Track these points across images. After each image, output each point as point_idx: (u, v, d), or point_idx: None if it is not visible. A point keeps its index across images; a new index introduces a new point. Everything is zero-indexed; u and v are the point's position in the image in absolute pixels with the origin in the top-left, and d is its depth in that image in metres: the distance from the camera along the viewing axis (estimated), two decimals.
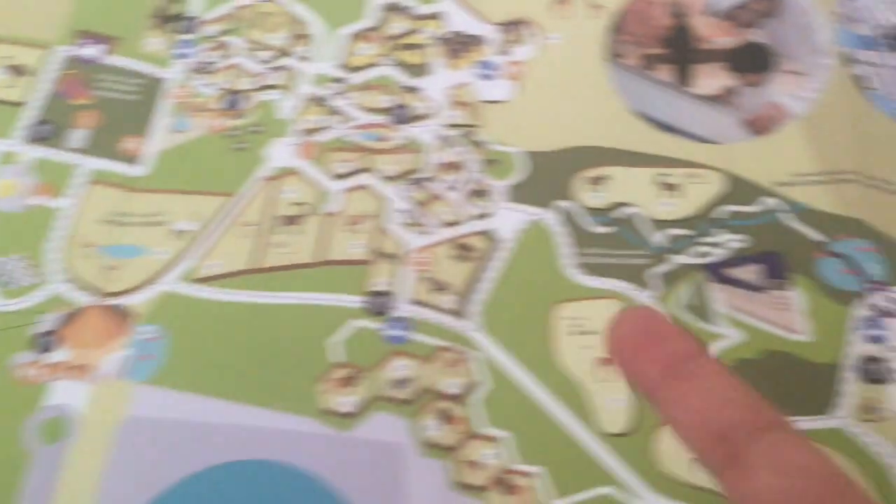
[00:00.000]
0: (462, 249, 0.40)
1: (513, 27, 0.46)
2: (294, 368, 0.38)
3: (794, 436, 0.22)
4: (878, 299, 0.38)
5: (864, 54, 0.44)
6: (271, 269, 0.40)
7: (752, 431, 0.22)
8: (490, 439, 0.37)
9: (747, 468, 0.21)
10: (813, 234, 0.40)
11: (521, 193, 0.42)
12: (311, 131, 0.43)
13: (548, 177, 0.42)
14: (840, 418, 0.36)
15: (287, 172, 0.42)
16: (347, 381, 0.38)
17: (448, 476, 0.36)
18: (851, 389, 0.37)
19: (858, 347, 0.37)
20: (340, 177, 0.42)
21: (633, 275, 0.40)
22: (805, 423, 0.36)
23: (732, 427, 0.22)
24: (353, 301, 0.39)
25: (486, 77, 0.45)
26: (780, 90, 0.44)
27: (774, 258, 0.40)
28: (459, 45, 0.46)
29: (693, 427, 0.23)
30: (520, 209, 0.41)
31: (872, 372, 0.37)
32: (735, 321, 0.38)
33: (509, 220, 0.41)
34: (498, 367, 0.38)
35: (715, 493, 0.34)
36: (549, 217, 0.41)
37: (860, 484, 0.21)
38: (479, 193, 0.42)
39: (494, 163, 0.42)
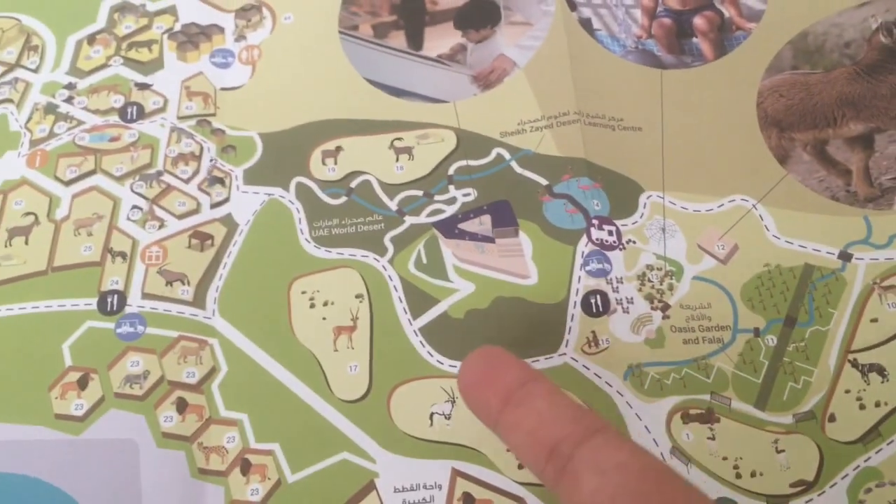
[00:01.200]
0: (199, 238, 0.40)
1: (246, 13, 0.46)
2: (26, 378, 0.38)
3: (613, 438, 0.23)
4: (602, 234, 0.39)
5: None
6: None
7: (577, 441, 0.23)
8: (229, 423, 0.37)
9: (574, 476, 0.23)
10: (539, 179, 0.40)
11: (257, 175, 0.42)
12: (40, 140, 0.43)
13: (284, 156, 0.42)
14: (567, 354, 0.36)
15: (17, 184, 0.42)
16: (81, 384, 0.37)
17: (189, 464, 0.36)
18: (576, 325, 0.37)
19: (582, 283, 0.38)
20: (69, 182, 0.42)
21: (369, 241, 0.40)
22: (538, 363, 0.36)
23: (560, 441, 0.23)
24: (87, 303, 0.39)
25: (223, 65, 0.45)
26: (506, 43, 0.44)
27: (502, 207, 0.40)
28: (194, 36, 0.45)
29: (527, 447, 0.25)
30: (256, 191, 0.41)
31: (595, 305, 0.37)
32: (466, 273, 0.39)
33: (246, 203, 0.41)
34: (235, 350, 0.38)
35: (449, 443, 0.35)
36: (284, 196, 0.41)
37: (677, 474, 0.22)
38: (216, 181, 0.41)
39: (230, 149, 0.42)
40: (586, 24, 0.44)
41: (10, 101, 0.44)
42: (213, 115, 0.43)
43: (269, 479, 0.35)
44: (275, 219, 0.40)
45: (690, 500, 0.21)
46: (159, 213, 0.41)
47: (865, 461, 0.34)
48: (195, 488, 0.35)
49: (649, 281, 0.37)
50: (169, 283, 0.39)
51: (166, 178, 0.41)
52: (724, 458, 0.34)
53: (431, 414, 0.36)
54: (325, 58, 0.44)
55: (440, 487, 0.35)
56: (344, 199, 0.41)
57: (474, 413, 0.28)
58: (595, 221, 0.39)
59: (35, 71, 0.45)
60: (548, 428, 0.24)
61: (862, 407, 0.35)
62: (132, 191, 0.41)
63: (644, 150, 0.40)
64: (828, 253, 0.37)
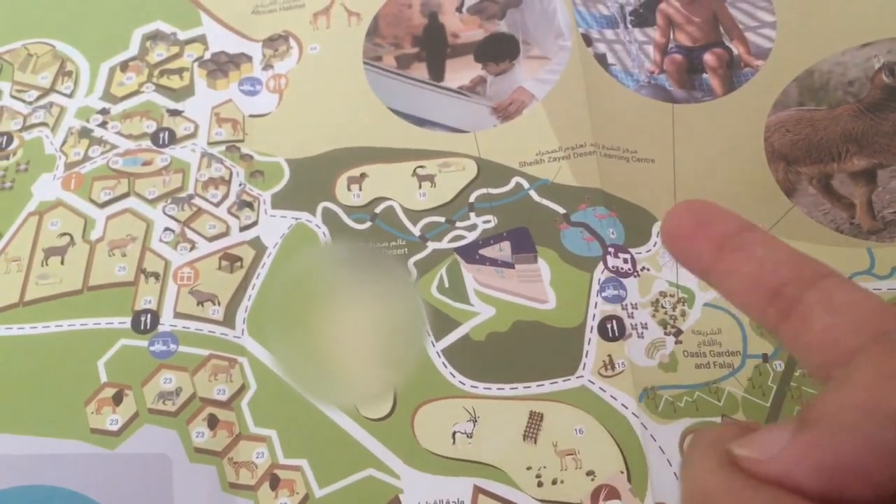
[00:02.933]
0: (228, 260, 0.42)
1: (274, 42, 0.48)
2: (63, 393, 0.39)
3: (844, 281, 0.22)
4: (616, 261, 0.41)
5: (605, 33, 0.47)
6: (35, 301, 0.41)
7: (803, 283, 0.22)
8: (258, 439, 0.38)
9: (803, 315, 0.21)
10: (556, 207, 0.42)
11: (285, 200, 0.43)
12: (75, 163, 0.44)
13: (310, 181, 0.44)
14: (584, 377, 0.38)
15: (52, 206, 0.43)
16: (116, 400, 0.39)
17: (219, 479, 0.37)
18: (593, 348, 0.39)
19: (599, 308, 0.40)
20: (104, 204, 0.43)
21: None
22: (557, 385, 0.38)
23: (784, 284, 0.22)
24: (121, 322, 0.41)
25: (251, 93, 0.47)
26: (525, 76, 0.46)
27: (521, 234, 0.42)
28: (224, 64, 0.47)
29: (747, 291, 0.23)
30: (284, 215, 0.43)
31: (611, 330, 0.39)
32: (487, 298, 0.40)
33: (273, 227, 0.43)
34: (264, 369, 0.39)
35: (471, 461, 0.37)
36: (311, 220, 0.42)
37: None
38: (245, 204, 0.43)
39: (258, 174, 0.44)
40: (601, 59, 0.46)
41: (45, 124, 0.46)
42: (242, 140, 0.45)
43: (297, 493, 0.37)
44: (302, 242, 0.42)
45: None
46: (190, 235, 0.42)
47: None
48: (226, 502, 0.37)
49: (663, 307, 0.39)
50: (200, 303, 0.41)
51: (197, 201, 0.43)
52: None
53: (454, 433, 0.38)
54: (350, 87, 0.46)
55: (463, 503, 0.36)
56: (369, 224, 0.42)
57: (681, 263, 0.27)
58: (611, 249, 0.41)
59: (69, 96, 0.47)
60: (770, 272, 0.22)
61: None
62: (164, 213, 0.43)
63: (657, 181, 0.42)
64: None
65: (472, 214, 0.42)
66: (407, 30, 0.48)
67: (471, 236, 0.42)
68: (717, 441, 0.21)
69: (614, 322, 0.39)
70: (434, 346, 0.39)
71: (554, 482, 0.36)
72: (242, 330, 0.40)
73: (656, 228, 0.41)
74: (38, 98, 0.46)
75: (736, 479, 0.20)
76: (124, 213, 0.43)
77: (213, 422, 0.38)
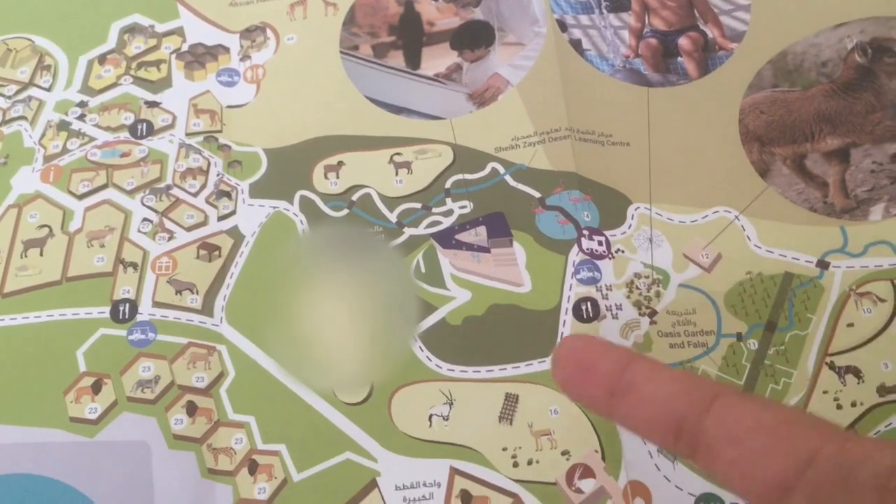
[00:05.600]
0: (207, 249, 0.42)
1: (251, 33, 0.48)
2: (42, 383, 0.39)
3: (732, 401, 0.23)
4: (591, 244, 0.41)
5: (580, 18, 0.47)
6: (14, 292, 0.41)
7: (698, 413, 0.23)
8: (237, 425, 0.39)
9: (709, 450, 0.22)
10: (531, 192, 0.42)
11: (263, 189, 0.44)
12: (54, 156, 0.45)
13: (287, 170, 0.44)
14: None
15: (31, 198, 0.44)
16: (95, 388, 0.39)
17: (199, 465, 0.38)
18: (568, 330, 0.39)
19: (574, 290, 0.40)
20: (82, 196, 0.43)
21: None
22: (532, 367, 0.38)
23: (681, 419, 0.23)
24: (100, 312, 0.41)
25: (229, 84, 0.47)
26: (500, 62, 0.46)
27: (497, 218, 0.42)
28: (201, 55, 0.47)
29: (650, 433, 0.24)
30: (261, 204, 0.43)
31: (585, 311, 0.39)
32: (463, 282, 0.41)
33: (251, 216, 0.43)
34: (242, 356, 0.40)
35: (447, 443, 0.37)
36: (288, 209, 0.43)
37: (807, 417, 0.22)
38: (223, 194, 0.43)
39: (236, 164, 0.44)
40: (576, 44, 0.46)
41: (24, 118, 0.46)
42: (220, 131, 0.45)
43: (275, 478, 0.37)
44: (279, 230, 0.42)
45: (825, 439, 0.21)
46: (169, 225, 0.43)
47: None
48: (205, 487, 0.37)
49: (637, 288, 0.39)
50: (178, 292, 0.41)
51: (175, 191, 0.43)
52: None
53: (430, 415, 0.38)
54: (327, 77, 0.46)
55: (439, 485, 0.37)
56: (346, 211, 0.43)
57: (585, 407, 0.26)
58: (585, 232, 0.41)
59: (48, 90, 0.47)
60: (664, 412, 0.23)
61: (839, 407, 0.37)
62: (143, 204, 0.43)
63: (632, 165, 0.42)
64: (806, 261, 0.40)
65: (448, 200, 0.43)
66: (383, 19, 0.48)
67: (447, 222, 0.42)
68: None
69: (589, 304, 0.39)
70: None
71: (529, 462, 0.37)
72: (221, 318, 0.40)
73: (631, 211, 0.41)
74: (18, 92, 0.47)
75: None
76: (103, 204, 0.43)
77: (191, 409, 0.39)
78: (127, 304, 0.41)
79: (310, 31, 0.48)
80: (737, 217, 0.40)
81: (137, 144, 0.45)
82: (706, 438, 0.22)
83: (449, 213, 0.42)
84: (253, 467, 0.37)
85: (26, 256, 0.42)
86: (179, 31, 0.48)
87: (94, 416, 0.38)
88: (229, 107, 0.46)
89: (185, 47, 0.48)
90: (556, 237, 0.41)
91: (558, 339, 0.39)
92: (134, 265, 0.41)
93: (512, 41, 0.46)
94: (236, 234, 0.42)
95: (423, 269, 0.41)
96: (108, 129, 0.45)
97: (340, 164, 0.44)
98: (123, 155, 0.44)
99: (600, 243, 0.40)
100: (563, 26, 0.47)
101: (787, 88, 0.43)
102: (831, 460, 0.20)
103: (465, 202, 0.42)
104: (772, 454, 0.21)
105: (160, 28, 0.49)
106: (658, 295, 0.39)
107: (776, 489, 0.21)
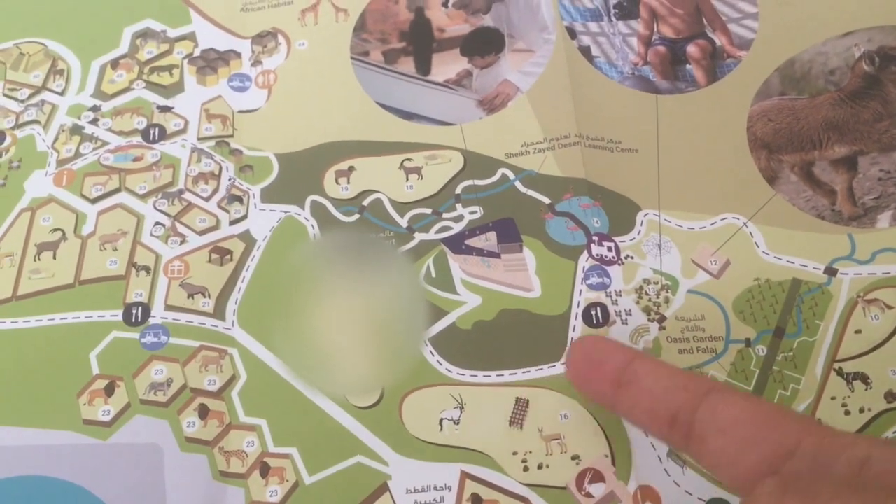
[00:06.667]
0: (218, 253, 0.42)
1: (262, 39, 0.49)
2: (56, 385, 0.40)
3: (724, 395, 0.25)
4: (601, 250, 0.41)
5: (589, 26, 0.48)
6: (27, 295, 0.42)
7: (692, 405, 0.25)
8: (248, 428, 0.39)
9: (699, 439, 0.24)
10: (541, 198, 0.43)
11: (274, 194, 0.44)
12: (67, 160, 0.45)
13: (299, 175, 0.44)
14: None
15: (44, 202, 0.44)
16: (108, 391, 0.39)
17: (210, 467, 0.38)
18: (578, 335, 0.39)
19: (583, 296, 0.40)
20: (95, 199, 0.44)
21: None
22: (542, 372, 0.39)
23: (677, 410, 0.25)
24: (113, 315, 0.41)
25: (241, 89, 0.47)
26: (510, 69, 0.47)
27: (507, 224, 0.42)
28: (213, 61, 0.48)
29: (648, 423, 0.26)
30: (273, 209, 0.43)
31: (595, 316, 0.40)
32: (473, 287, 0.41)
33: (263, 220, 0.43)
34: (254, 359, 0.40)
35: (458, 447, 0.38)
36: (300, 213, 0.43)
37: (789, 412, 0.24)
38: (235, 199, 0.44)
39: (248, 168, 0.45)
40: (586, 51, 0.47)
41: (37, 122, 0.46)
42: (231, 136, 0.45)
43: (287, 481, 0.38)
44: (291, 235, 0.42)
45: (805, 433, 0.22)
46: (181, 229, 0.43)
47: None
48: (217, 490, 0.37)
49: (646, 294, 0.40)
50: (190, 295, 0.41)
51: (187, 196, 0.44)
52: None
53: (441, 419, 0.38)
54: (338, 82, 0.47)
55: (450, 489, 0.37)
56: (357, 216, 0.43)
57: (592, 399, 0.28)
58: (595, 238, 0.41)
59: (61, 94, 0.47)
60: (662, 403, 0.25)
61: (847, 413, 0.37)
62: (155, 208, 0.43)
63: (641, 171, 0.43)
64: (814, 268, 0.40)
65: (458, 205, 0.43)
66: (394, 25, 0.49)
67: (457, 227, 0.42)
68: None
69: (598, 309, 0.40)
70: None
71: (540, 466, 0.37)
72: (233, 321, 0.41)
73: (640, 217, 0.42)
74: (31, 96, 0.47)
75: None
76: (115, 208, 0.44)
77: (203, 412, 0.39)
78: (139, 308, 0.41)
79: (321, 36, 0.48)
80: (745, 224, 0.41)
81: (150, 149, 0.45)
82: (697, 428, 0.24)
83: (459, 218, 0.42)
84: (265, 470, 0.38)
85: (39, 259, 0.42)
86: (191, 37, 0.49)
87: (107, 419, 0.39)
88: (241, 112, 0.46)
89: (197, 52, 0.48)
90: (566, 243, 0.41)
91: (568, 344, 0.39)
92: (146, 269, 0.42)
93: (522, 48, 0.47)
94: (248, 239, 0.42)
95: (433, 274, 0.41)
96: (120, 133, 0.46)
97: (351, 169, 0.44)
98: (136, 159, 0.45)
99: (610, 249, 0.41)
100: (572, 33, 0.47)
101: (795, 96, 0.44)
102: (811, 451, 0.22)
103: (476, 207, 0.42)
104: (756, 444, 0.23)
105: (172, 33, 0.49)
106: (667, 301, 0.39)
107: (758, 475, 0.22)
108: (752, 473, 0.22)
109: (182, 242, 0.42)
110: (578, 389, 0.29)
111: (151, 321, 0.41)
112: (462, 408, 0.38)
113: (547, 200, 0.42)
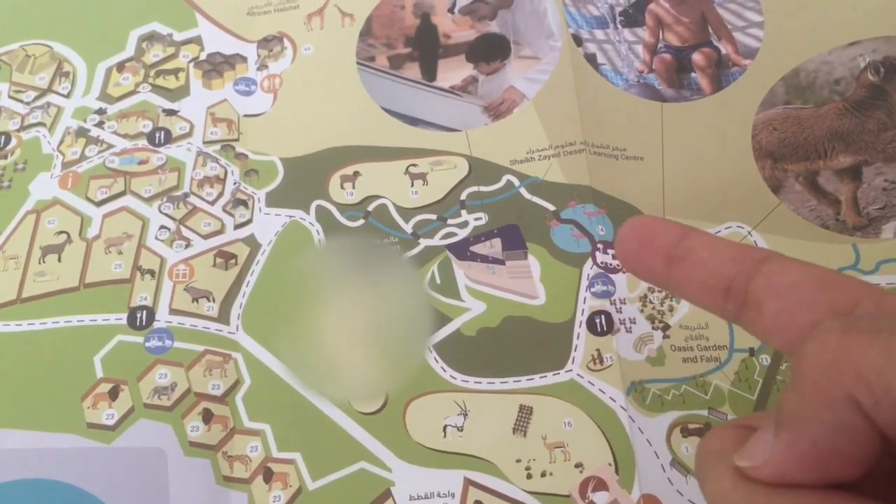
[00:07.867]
0: (223, 258, 0.42)
1: (268, 43, 0.49)
2: (60, 389, 0.40)
3: (780, 261, 0.24)
4: (605, 257, 0.41)
5: (595, 33, 0.48)
6: (32, 298, 0.42)
7: (748, 274, 0.24)
8: (252, 433, 0.39)
9: (754, 306, 0.24)
10: (546, 205, 0.43)
11: (279, 198, 0.44)
12: (72, 162, 0.45)
13: (304, 180, 0.44)
14: (573, 371, 0.39)
15: (50, 204, 0.44)
16: (112, 395, 0.39)
17: (214, 472, 0.38)
18: (582, 343, 0.39)
19: (588, 303, 0.40)
20: (100, 202, 0.44)
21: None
22: (546, 379, 0.39)
23: (732, 279, 0.24)
24: (117, 318, 0.41)
25: (246, 93, 0.47)
26: (516, 75, 0.47)
27: (512, 231, 0.42)
28: (219, 64, 0.48)
29: (702, 295, 0.26)
30: (278, 213, 0.43)
31: (599, 324, 0.40)
32: (478, 293, 0.41)
33: (268, 224, 0.43)
34: (258, 364, 0.40)
35: (461, 454, 0.37)
36: (304, 218, 0.43)
37: (849, 277, 0.23)
38: (240, 203, 0.44)
39: (253, 172, 0.45)
40: (591, 59, 0.47)
41: (42, 124, 0.46)
42: (237, 140, 0.45)
43: (290, 486, 0.38)
44: (296, 239, 0.42)
45: (864, 295, 0.22)
46: (186, 233, 0.43)
47: None
48: (220, 495, 0.38)
49: (651, 302, 0.40)
50: (195, 299, 0.41)
51: (193, 199, 0.44)
52: None
53: (445, 426, 0.38)
54: (344, 87, 0.47)
55: (453, 496, 0.37)
56: (362, 221, 0.43)
57: (640, 279, 0.28)
58: (600, 246, 0.41)
59: (66, 96, 0.47)
60: (716, 273, 0.25)
61: None
62: (160, 211, 0.43)
63: (646, 179, 0.43)
64: None
65: (463, 212, 0.43)
66: (400, 30, 0.49)
67: (462, 233, 0.42)
68: (722, 454, 0.23)
69: (603, 317, 0.40)
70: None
71: (543, 474, 0.37)
72: (237, 326, 0.41)
73: None
74: (36, 98, 0.47)
75: (755, 493, 0.21)
76: (121, 211, 0.44)
77: (207, 416, 0.39)
78: (144, 311, 0.41)
79: (326, 41, 0.48)
80: (749, 233, 0.41)
81: (155, 152, 0.45)
82: (752, 295, 0.24)
83: (464, 224, 0.42)
84: (268, 475, 0.38)
85: (44, 262, 0.42)
86: (197, 40, 0.49)
87: (111, 423, 0.39)
88: (246, 116, 0.46)
89: (202, 56, 0.48)
90: (571, 250, 0.41)
91: (572, 352, 0.39)
92: (151, 272, 0.42)
93: (527, 55, 0.47)
94: (253, 243, 0.42)
95: (438, 280, 0.41)
96: (126, 136, 0.46)
97: (356, 174, 0.44)
98: (141, 162, 0.45)
99: (614, 257, 0.41)
100: (578, 41, 0.47)
101: (800, 106, 0.44)
102: (869, 311, 0.21)
103: (480, 214, 0.43)
104: (814, 304, 0.22)
105: (178, 37, 0.49)
106: (671, 309, 0.39)
107: None
108: (806, 334, 0.22)
109: (187, 246, 0.42)
110: (628, 268, 0.29)
111: (156, 325, 0.41)
112: (466, 414, 0.38)
113: (552, 207, 0.42)
